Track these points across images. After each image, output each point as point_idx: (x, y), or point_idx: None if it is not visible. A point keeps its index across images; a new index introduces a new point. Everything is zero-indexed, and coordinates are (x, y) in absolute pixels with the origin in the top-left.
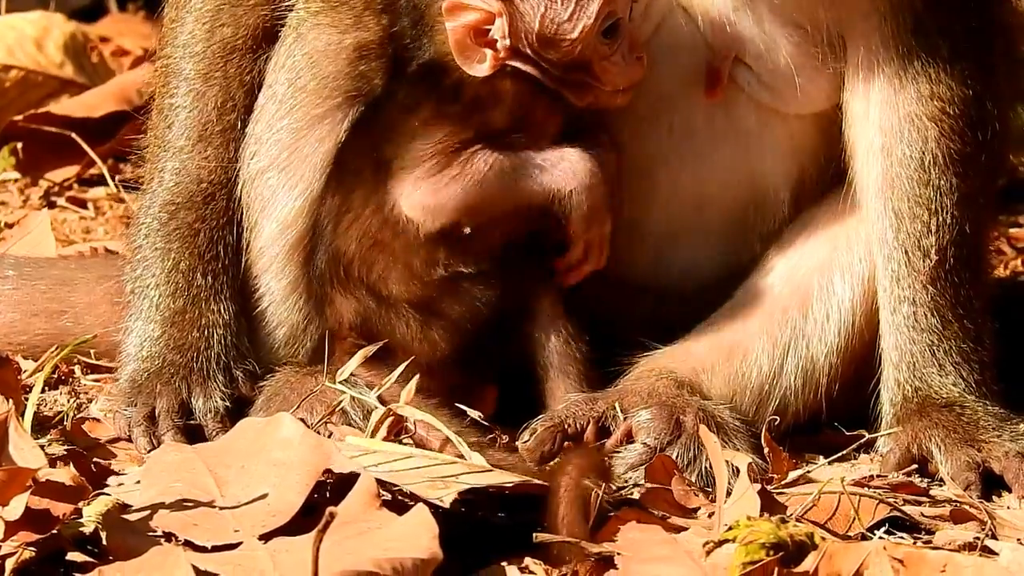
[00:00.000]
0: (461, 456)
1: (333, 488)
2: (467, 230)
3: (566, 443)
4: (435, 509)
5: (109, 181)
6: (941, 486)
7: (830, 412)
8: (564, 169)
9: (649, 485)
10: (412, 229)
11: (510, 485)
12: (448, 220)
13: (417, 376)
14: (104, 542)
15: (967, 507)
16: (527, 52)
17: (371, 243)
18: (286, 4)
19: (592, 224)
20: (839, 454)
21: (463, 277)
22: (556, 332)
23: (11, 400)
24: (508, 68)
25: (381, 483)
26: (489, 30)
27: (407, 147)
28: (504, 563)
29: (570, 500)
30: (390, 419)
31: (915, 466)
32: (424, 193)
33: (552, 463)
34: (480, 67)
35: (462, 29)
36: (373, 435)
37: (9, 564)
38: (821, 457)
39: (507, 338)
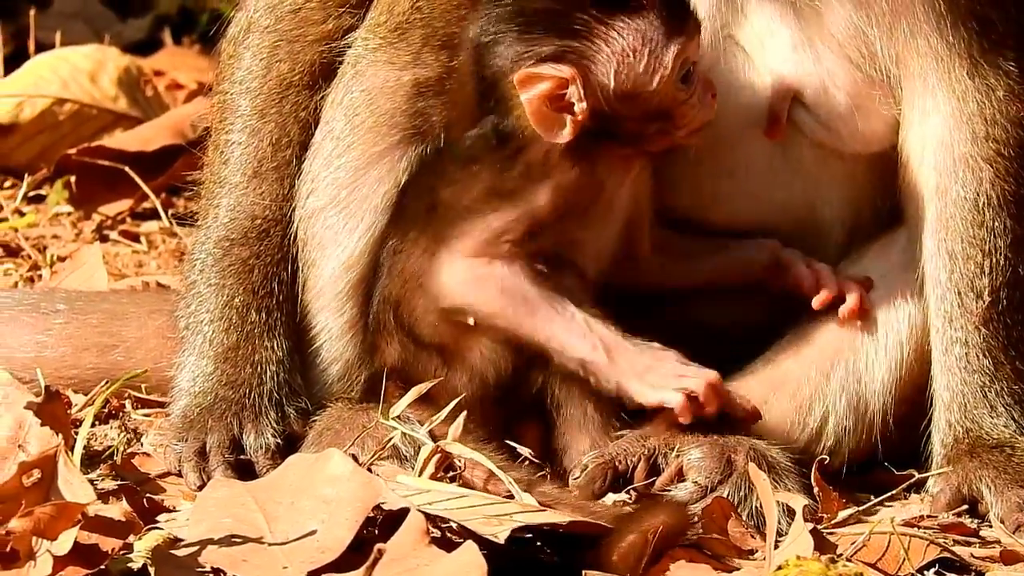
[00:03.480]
0: (511, 494)
1: (382, 525)
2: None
3: (632, 489)
4: (483, 546)
5: (162, 215)
6: (991, 527)
7: (882, 451)
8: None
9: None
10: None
11: (564, 523)
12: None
13: (464, 413)
14: None
15: (1017, 548)
16: (606, 110)
17: (416, 285)
18: (344, 41)
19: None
20: (889, 494)
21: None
22: (580, 381)
23: (61, 434)
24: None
25: (430, 520)
26: (565, 95)
27: (461, 201)
28: None
29: (633, 543)
30: (438, 456)
31: (965, 507)
32: (456, 271)
33: (614, 506)
34: (562, 133)
35: (537, 99)
36: (422, 472)
37: None
38: (872, 497)
39: (542, 378)
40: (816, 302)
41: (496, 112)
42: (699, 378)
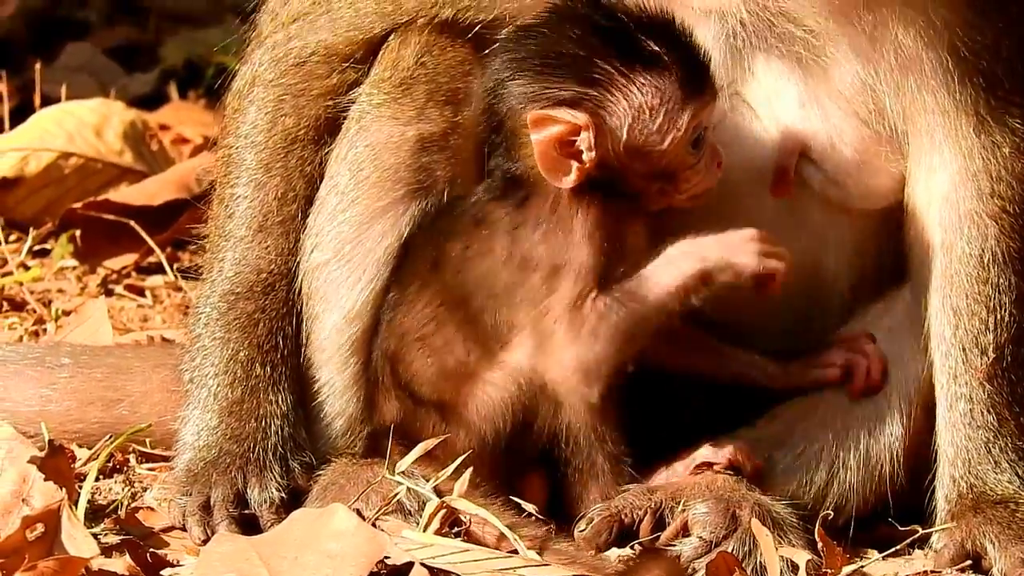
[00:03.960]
0: (515, 550)
1: None
2: None
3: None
4: None
5: (168, 269)
6: None
7: (886, 506)
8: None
9: None
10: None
11: None
12: None
13: (470, 469)
14: None
15: None
16: (613, 163)
17: (414, 338)
18: (349, 96)
19: None
20: (893, 549)
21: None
22: (587, 436)
23: (64, 489)
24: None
25: (434, 574)
26: (575, 142)
27: (494, 282)
28: None
29: None
30: (443, 511)
31: (969, 562)
32: (570, 358)
33: (617, 560)
34: (566, 179)
35: (547, 141)
36: (427, 527)
37: None
38: (875, 552)
39: (549, 432)
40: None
41: (503, 152)
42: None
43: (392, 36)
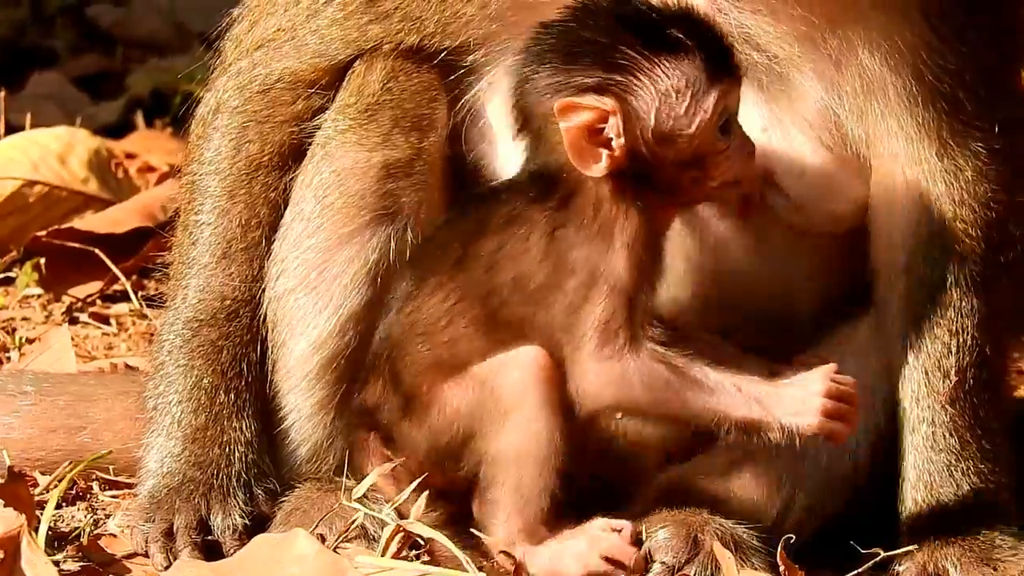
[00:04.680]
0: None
1: None
2: None
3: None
4: None
5: (132, 297)
6: None
7: (848, 528)
8: None
9: None
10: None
11: None
12: None
13: (427, 492)
14: None
15: None
16: (643, 151)
17: (419, 332)
18: (314, 122)
19: None
20: (855, 572)
21: None
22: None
23: (24, 515)
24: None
25: None
26: (604, 129)
27: (528, 282)
28: None
29: None
30: (401, 535)
31: None
32: (591, 379)
33: None
34: (596, 167)
35: (576, 130)
36: (385, 551)
37: None
38: (837, 574)
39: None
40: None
41: (532, 149)
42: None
43: (358, 62)
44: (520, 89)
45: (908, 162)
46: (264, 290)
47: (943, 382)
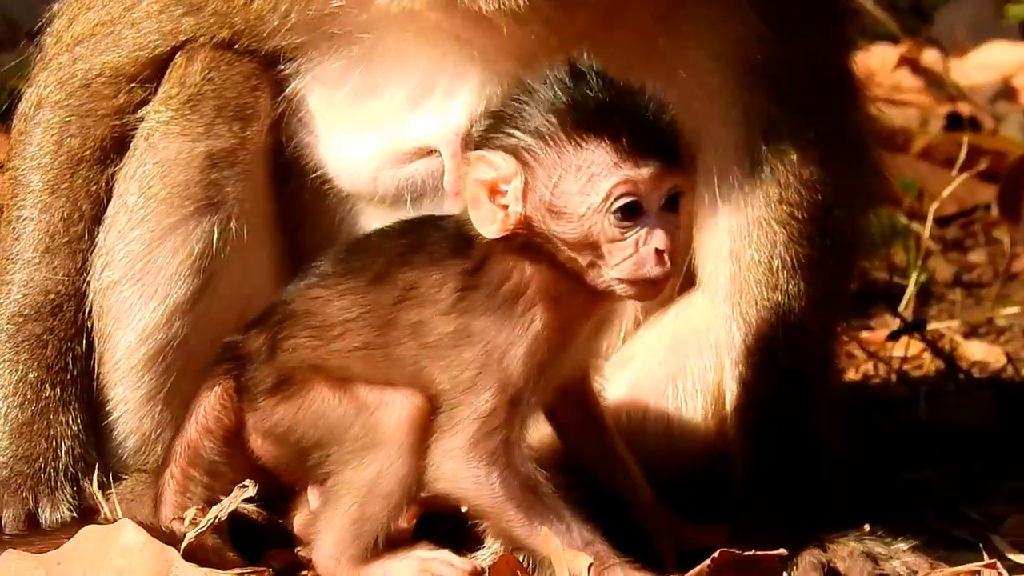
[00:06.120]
0: None
1: None
2: None
3: None
4: None
5: None
6: None
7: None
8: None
9: None
10: None
11: None
12: None
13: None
14: None
15: None
16: (539, 224)
17: (315, 323)
18: (136, 115)
19: None
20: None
21: None
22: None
23: None
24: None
25: None
26: (506, 191)
27: (428, 331)
28: None
29: None
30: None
31: None
32: (451, 467)
33: None
34: (491, 227)
35: (478, 184)
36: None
37: None
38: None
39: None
40: None
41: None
42: None
43: (179, 54)
44: (470, 136)
45: (734, 146)
46: (89, 283)
47: (772, 364)
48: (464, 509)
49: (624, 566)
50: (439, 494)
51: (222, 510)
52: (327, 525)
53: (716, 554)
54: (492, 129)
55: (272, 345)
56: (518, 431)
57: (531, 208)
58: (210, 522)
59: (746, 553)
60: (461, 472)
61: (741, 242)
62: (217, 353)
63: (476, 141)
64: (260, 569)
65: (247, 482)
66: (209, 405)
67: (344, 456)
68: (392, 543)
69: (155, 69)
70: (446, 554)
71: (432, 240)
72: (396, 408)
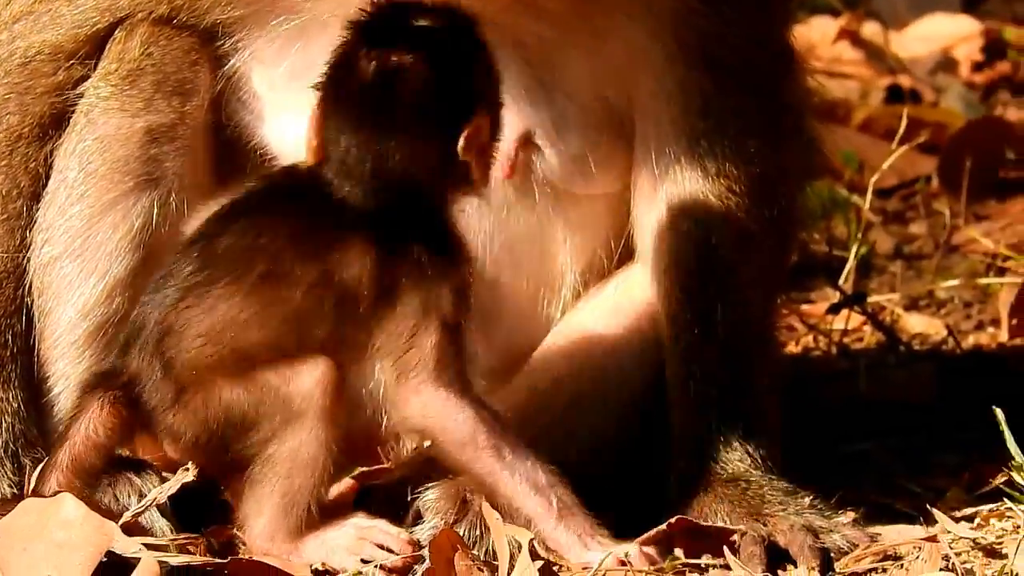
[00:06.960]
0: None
1: (113, 569)
2: None
3: None
4: None
5: None
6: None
7: (622, 487)
8: None
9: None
10: None
11: None
12: None
13: (169, 488)
14: None
15: None
16: None
17: (203, 332)
18: (76, 91)
19: None
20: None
21: None
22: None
23: None
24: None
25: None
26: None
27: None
28: None
29: None
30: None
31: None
32: (426, 405)
33: None
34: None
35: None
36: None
37: None
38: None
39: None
40: None
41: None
42: (632, 548)
43: (119, 29)
44: None
45: (671, 122)
46: (29, 260)
47: (711, 339)
48: (429, 445)
49: (584, 516)
50: (410, 431)
51: (161, 492)
52: (256, 507)
53: (673, 520)
54: None
55: (164, 363)
56: (465, 361)
57: None
58: (148, 504)
59: (705, 524)
60: (432, 404)
61: (679, 216)
62: (88, 381)
63: None
64: (195, 538)
65: (188, 464)
66: (99, 420)
67: (264, 437)
68: (330, 516)
69: (94, 45)
70: (383, 523)
71: (318, 228)
72: (305, 378)
